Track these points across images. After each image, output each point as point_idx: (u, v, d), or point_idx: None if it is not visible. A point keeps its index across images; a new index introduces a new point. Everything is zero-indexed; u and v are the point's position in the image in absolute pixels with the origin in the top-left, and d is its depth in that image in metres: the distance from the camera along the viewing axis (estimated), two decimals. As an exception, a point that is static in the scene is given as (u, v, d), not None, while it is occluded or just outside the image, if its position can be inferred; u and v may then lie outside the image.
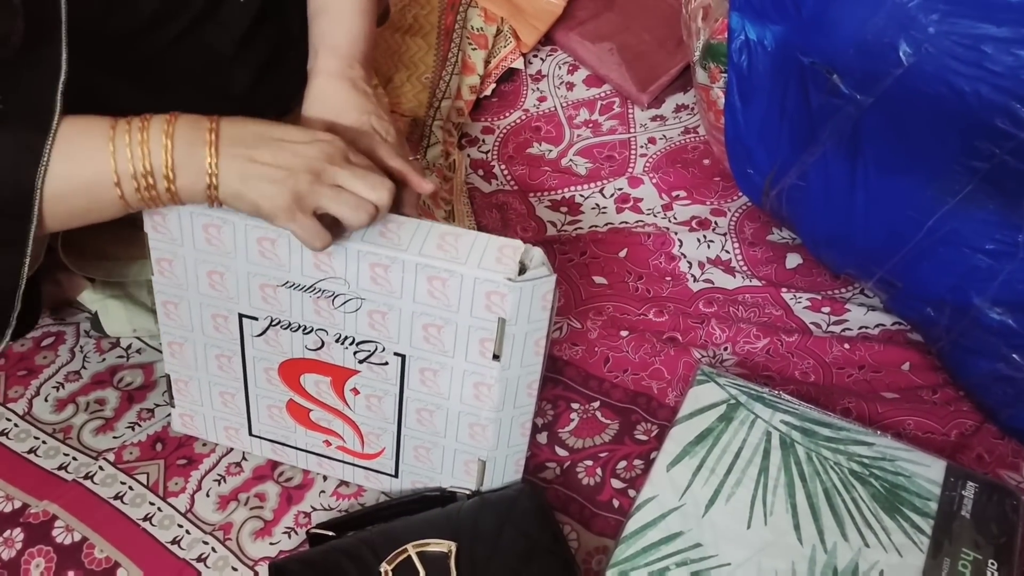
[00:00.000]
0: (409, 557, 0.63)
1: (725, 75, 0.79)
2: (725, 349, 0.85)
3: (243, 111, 0.70)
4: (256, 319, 0.67)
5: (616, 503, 0.74)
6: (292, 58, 0.85)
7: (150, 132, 0.56)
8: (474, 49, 1.08)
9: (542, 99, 1.13)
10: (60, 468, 0.75)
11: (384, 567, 0.63)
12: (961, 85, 0.62)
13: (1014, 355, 0.72)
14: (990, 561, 0.63)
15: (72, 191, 0.57)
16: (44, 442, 0.77)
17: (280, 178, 0.57)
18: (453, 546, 0.63)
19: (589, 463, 0.76)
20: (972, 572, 0.62)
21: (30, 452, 0.76)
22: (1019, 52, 0.59)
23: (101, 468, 0.75)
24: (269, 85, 0.83)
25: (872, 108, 0.68)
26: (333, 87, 0.69)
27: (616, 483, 0.75)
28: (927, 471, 0.68)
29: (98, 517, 0.72)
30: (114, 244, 0.80)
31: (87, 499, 0.73)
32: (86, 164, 0.56)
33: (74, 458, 0.76)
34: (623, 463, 0.76)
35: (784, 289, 0.90)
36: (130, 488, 0.74)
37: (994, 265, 0.69)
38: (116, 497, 0.73)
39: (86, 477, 0.74)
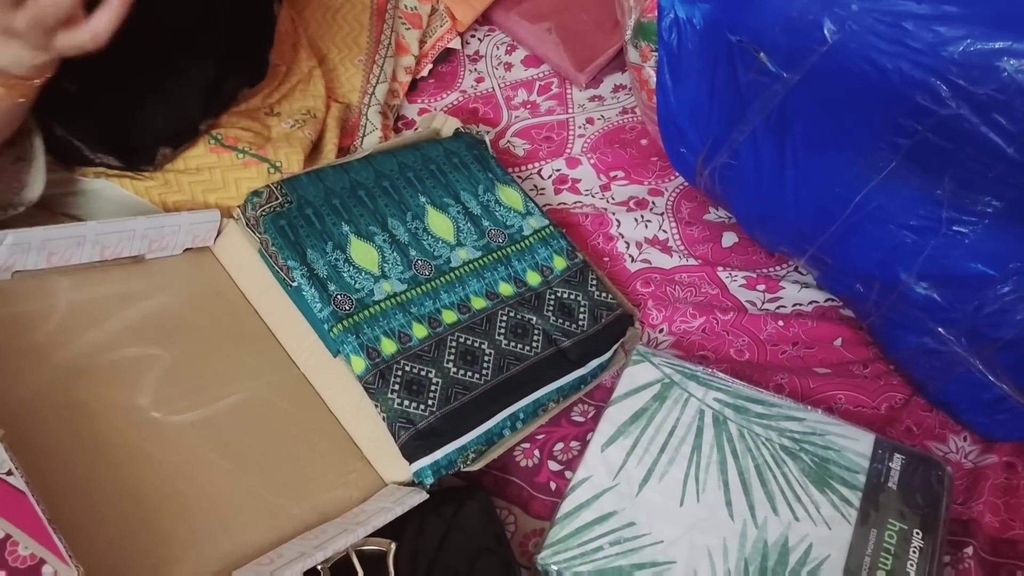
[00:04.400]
0: (347, 556, 0.62)
1: (656, 54, 0.78)
2: (661, 331, 0.85)
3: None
4: None
5: (553, 485, 0.74)
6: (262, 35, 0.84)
7: None
8: (408, 29, 1.06)
9: (480, 80, 1.12)
10: (-20, 465, 0.73)
11: (321, 566, 0.62)
12: (883, 62, 0.62)
13: (940, 329, 0.73)
14: (915, 531, 0.64)
15: None
16: (-37, 438, 0.74)
17: None
18: (392, 545, 0.62)
19: (526, 445, 0.76)
20: (898, 542, 0.63)
21: (-52, 449, 0.73)
22: (938, 28, 0.59)
23: (23, 464, 0.73)
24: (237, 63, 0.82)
25: (799, 86, 0.68)
26: None
27: (553, 465, 0.75)
28: (856, 444, 0.69)
29: (20, 513, 0.70)
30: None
31: (9, 495, 0.71)
32: None
33: (-5, 454, 0.73)
34: (560, 445, 0.76)
35: (720, 268, 0.90)
36: (54, 483, 0.72)
37: (919, 241, 0.70)
38: (39, 493, 0.71)
39: (8, 474, 0.72)
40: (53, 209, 0.75)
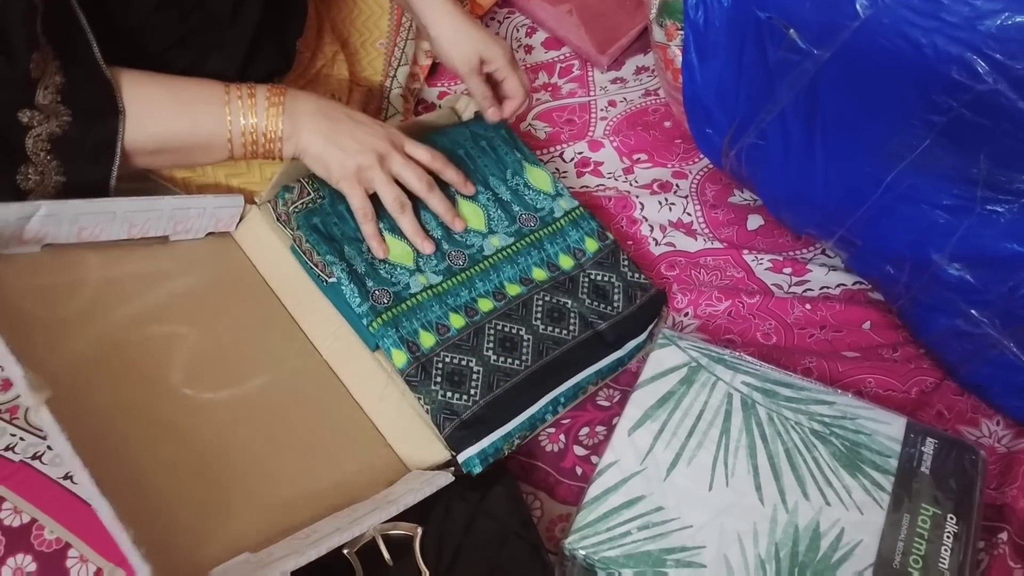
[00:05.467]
0: (373, 541, 0.61)
1: (682, 32, 0.77)
2: (686, 315, 0.84)
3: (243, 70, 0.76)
4: None
5: (579, 470, 0.73)
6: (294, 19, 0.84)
7: (257, 99, 0.69)
8: (429, 12, 1.05)
9: (500, 63, 1.11)
10: (7, 449, 0.73)
11: (348, 551, 0.61)
12: (918, 37, 0.61)
13: (972, 311, 0.72)
14: (949, 516, 0.63)
15: (189, 144, 0.68)
16: (-10, 423, 0.75)
17: (353, 150, 0.70)
18: (419, 529, 0.61)
19: (552, 430, 0.75)
20: (932, 527, 0.62)
21: (-25, 434, 0.74)
22: (975, 1, 0.58)
23: (49, 448, 0.73)
24: (268, 45, 0.81)
25: (829, 63, 0.66)
26: (465, 23, 0.81)
27: (579, 450, 0.74)
28: (887, 428, 0.68)
29: (47, 498, 0.70)
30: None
31: (35, 480, 0.71)
32: (203, 123, 0.68)
33: (21, 438, 0.74)
34: (585, 430, 0.76)
35: (746, 251, 0.89)
36: (80, 468, 0.72)
37: (952, 221, 0.68)
38: (65, 477, 0.71)
39: (34, 458, 0.72)
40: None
